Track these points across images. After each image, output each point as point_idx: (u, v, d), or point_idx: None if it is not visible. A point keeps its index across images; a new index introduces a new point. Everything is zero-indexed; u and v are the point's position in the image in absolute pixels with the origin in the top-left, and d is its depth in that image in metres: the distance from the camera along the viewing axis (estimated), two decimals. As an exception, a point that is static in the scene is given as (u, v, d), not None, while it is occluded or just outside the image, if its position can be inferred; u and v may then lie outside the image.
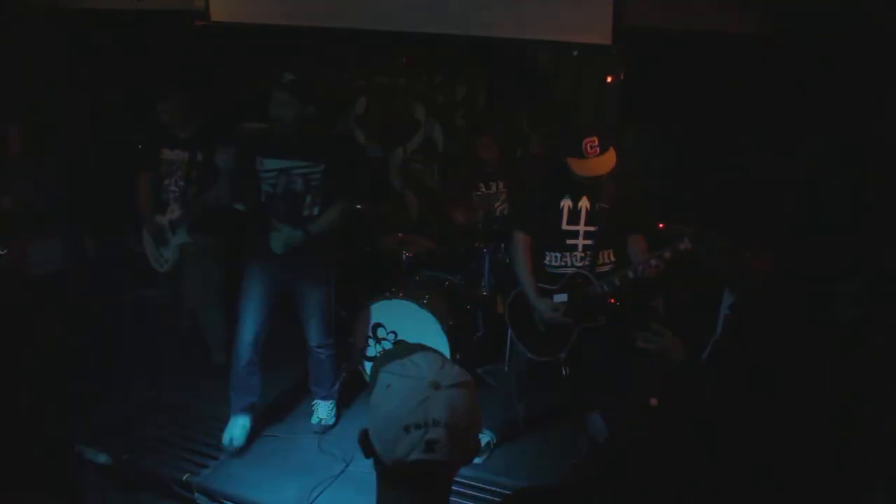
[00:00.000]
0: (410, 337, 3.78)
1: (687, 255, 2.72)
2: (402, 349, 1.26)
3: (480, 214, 4.34)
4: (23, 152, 4.66)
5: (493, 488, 3.26)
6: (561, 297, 3.14)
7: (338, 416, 3.78)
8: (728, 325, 2.22)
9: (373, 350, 4.00)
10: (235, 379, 3.49)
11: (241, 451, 3.45)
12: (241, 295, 3.41)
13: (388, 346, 3.92)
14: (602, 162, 2.94)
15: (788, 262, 2.31)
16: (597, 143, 2.91)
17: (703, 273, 2.43)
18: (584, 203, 3.11)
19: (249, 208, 3.37)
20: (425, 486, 1.18)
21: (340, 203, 3.37)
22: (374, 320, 3.97)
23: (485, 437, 3.54)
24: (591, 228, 3.11)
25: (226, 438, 3.45)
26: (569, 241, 3.15)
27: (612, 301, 3.07)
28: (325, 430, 3.69)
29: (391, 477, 1.18)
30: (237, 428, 3.48)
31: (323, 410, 3.73)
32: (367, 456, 1.21)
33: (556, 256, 3.18)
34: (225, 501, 3.17)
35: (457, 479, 3.33)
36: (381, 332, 3.98)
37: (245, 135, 3.08)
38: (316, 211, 3.30)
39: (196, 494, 3.22)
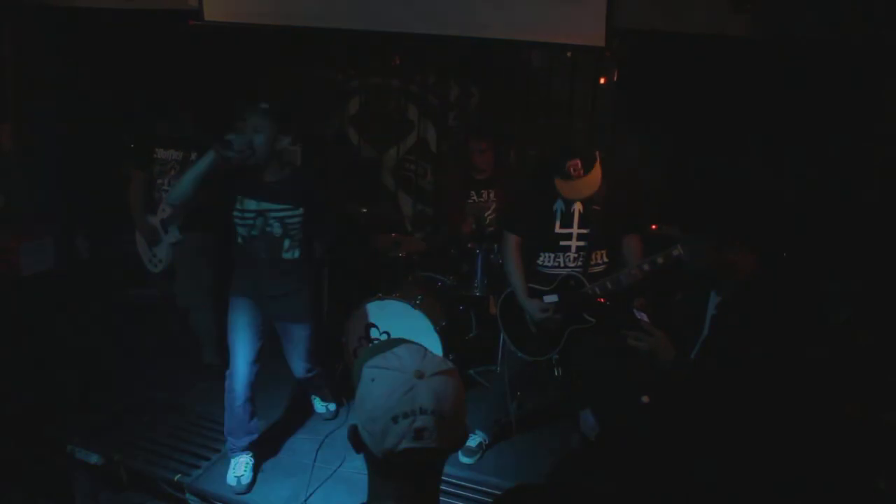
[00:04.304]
0: (403, 337, 3.76)
1: (679, 262, 2.74)
2: (383, 345, 1.27)
3: (471, 222, 4.34)
4: (13, 150, 4.64)
5: (485, 489, 3.26)
6: (551, 298, 3.15)
7: (338, 402, 3.85)
8: (716, 324, 2.23)
9: (365, 351, 4.00)
10: (234, 421, 3.22)
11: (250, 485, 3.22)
12: (230, 329, 3.19)
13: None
14: (587, 182, 2.98)
15: (778, 262, 2.32)
16: (580, 165, 2.94)
17: (691, 273, 2.45)
18: (576, 205, 3.12)
19: (232, 243, 3.21)
20: (417, 475, 1.20)
21: (320, 245, 3.29)
22: (367, 321, 3.97)
23: (477, 438, 3.55)
24: (584, 231, 3.12)
25: (232, 479, 3.18)
26: (562, 243, 3.16)
27: (602, 301, 3.09)
28: (334, 414, 3.82)
29: (383, 469, 1.19)
30: (241, 466, 3.22)
31: (319, 405, 3.84)
32: (357, 451, 1.22)
33: (549, 257, 3.19)
34: (215, 502, 3.17)
35: (449, 479, 3.34)
36: (373, 333, 3.98)
37: (226, 171, 2.96)
38: (297, 254, 3.15)
39: (187, 495, 3.21)
